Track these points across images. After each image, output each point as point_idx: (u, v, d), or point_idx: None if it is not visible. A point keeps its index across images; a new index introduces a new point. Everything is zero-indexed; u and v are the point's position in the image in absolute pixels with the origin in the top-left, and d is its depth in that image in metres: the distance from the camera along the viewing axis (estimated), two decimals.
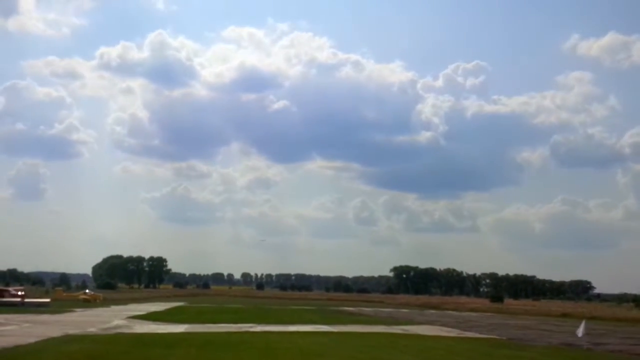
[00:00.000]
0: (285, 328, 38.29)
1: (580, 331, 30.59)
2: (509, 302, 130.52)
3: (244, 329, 35.77)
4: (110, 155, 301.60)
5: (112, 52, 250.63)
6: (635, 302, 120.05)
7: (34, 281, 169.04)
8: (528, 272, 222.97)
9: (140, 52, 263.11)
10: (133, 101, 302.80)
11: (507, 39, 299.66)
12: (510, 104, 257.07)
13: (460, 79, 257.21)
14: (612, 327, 51.22)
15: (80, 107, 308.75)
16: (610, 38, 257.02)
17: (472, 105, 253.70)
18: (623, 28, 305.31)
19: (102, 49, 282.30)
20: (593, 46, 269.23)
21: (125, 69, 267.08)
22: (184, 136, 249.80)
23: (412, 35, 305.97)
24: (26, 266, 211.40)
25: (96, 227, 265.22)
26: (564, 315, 72.69)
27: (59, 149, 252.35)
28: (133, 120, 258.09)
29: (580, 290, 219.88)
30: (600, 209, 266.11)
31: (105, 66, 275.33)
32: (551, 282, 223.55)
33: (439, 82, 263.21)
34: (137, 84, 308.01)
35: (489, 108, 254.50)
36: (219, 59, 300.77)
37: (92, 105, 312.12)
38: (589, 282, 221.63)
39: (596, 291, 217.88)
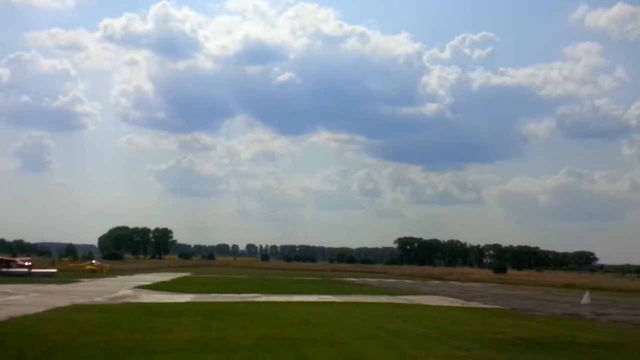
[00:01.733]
0: (289, 298, 38.65)
1: (586, 299, 30.78)
2: (512, 272, 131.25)
3: (249, 299, 36.10)
4: (115, 127, 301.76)
5: (116, 23, 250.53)
6: (638, 273, 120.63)
7: (41, 252, 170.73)
8: (531, 243, 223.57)
9: (144, 24, 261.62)
10: (137, 73, 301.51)
11: (514, 9, 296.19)
12: (517, 75, 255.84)
13: (467, 51, 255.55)
14: (615, 297, 51.49)
15: (84, 79, 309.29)
16: (619, 9, 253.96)
17: (479, 77, 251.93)
18: None
19: (106, 21, 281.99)
20: (601, 17, 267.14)
21: (129, 40, 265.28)
22: (188, 108, 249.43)
23: (418, 6, 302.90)
24: (33, 237, 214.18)
25: (102, 199, 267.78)
26: (567, 285, 73.12)
27: (63, 121, 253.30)
28: (137, 92, 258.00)
29: (583, 261, 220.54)
30: (605, 180, 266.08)
31: (110, 38, 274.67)
32: (554, 253, 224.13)
33: (446, 54, 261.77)
34: (141, 56, 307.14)
35: (495, 80, 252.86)
36: (224, 31, 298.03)
37: (96, 77, 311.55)
38: (592, 253, 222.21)
39: (599, 262, 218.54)
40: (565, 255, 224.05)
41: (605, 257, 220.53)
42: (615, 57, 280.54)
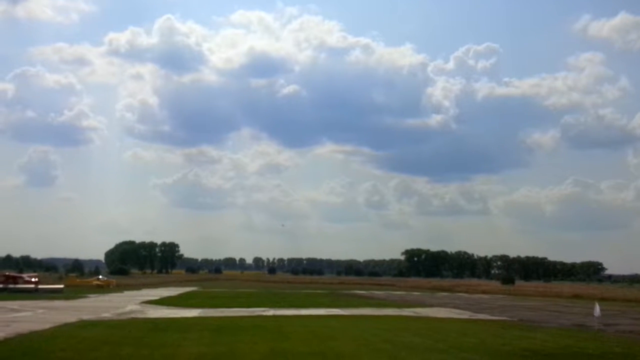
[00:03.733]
0: (297, 312, 38.54)
1: (596, 311, 30.68)
2: (520, 284, 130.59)
3: (256, 313, 36.03)
4: (120, 141, 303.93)
5: (121, 37, 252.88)
6: None
7: (47, 267, 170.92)
8: (539, 254, 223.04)
9: (149, 38, 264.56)
10: (142, 87, 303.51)
11: (518, 20, 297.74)
12: (521, 86, 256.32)
13: (471, 62, 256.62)
14: (623, 308, 51.13)
15: (89, 93, 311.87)
16: (622, 19, 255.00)
17: (483, 88, 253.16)
18: (634, 8, 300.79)
19: (111, 35, 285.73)
20: (604, 27, 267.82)
21: (134, 54, 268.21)
22: (194, 122, 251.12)
23: (422, 18, 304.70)
24: (39, 253, 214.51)
25: (108, 214, 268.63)
26: (575, 296, 72.64)
27: (69, 136, 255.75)
28: (143, 106, 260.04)
29: (591, 271, 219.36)
30: (611, 190, 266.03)
31: (114, 52, 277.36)
32: (562, 264, 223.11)
33: (450, 65, 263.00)
34: (146, 69, 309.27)
35: (500, 90, 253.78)
36: (228, 44, 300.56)
37: (101, 92, 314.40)
38: (600, 264, 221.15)
39: (607, 272, 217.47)
40: (573, 265, 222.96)
41: (613, 267, 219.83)
42: (618, 67, 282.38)
